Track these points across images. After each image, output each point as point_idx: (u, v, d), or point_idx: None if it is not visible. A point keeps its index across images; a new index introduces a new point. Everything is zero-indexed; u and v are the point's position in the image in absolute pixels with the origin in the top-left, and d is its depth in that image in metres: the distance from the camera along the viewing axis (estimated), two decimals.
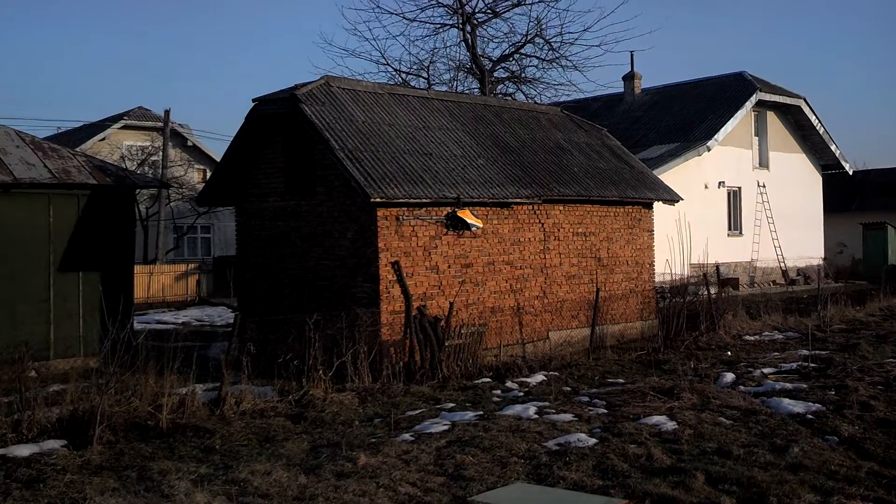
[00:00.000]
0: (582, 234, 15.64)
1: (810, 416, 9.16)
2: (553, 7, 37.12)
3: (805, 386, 10.87)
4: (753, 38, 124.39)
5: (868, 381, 10.96)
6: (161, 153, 31.71)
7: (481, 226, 13.56)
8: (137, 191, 18.11)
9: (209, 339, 16.51)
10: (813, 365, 12.35)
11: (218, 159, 23.48)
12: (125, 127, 35.64)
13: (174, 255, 33.94)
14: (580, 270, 15.54)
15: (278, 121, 14.08)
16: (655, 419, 9.03)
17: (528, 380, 11.74)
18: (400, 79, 29.86)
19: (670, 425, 8.77)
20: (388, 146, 13.45)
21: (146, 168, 33.41)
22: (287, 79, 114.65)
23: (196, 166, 37.20)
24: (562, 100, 30.07)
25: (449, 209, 13.08)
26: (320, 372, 10.49)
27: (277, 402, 10.10)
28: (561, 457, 7.64)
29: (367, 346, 11.32)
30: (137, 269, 23.88)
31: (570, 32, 45.23)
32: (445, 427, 8.90)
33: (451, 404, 10.21)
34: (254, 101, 14.05)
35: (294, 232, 13.93)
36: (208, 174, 33.09)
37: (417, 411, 9.83)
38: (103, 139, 34.68)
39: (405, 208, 12.59)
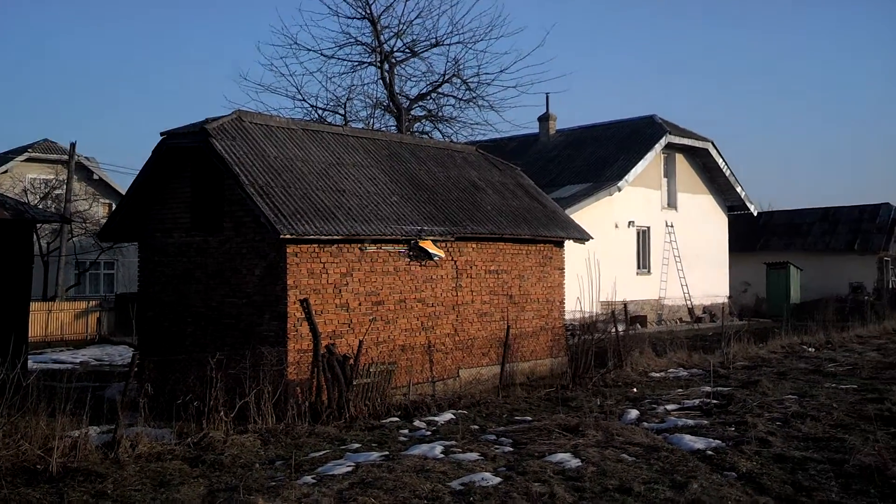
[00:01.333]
0: (494, 272, 15.74)
1: (710, 452, 9.32)
2: (471, 48, 37.67)
3: (706, 422, 11.08)
4: (665, 83, 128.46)
5: (767, 417, 11.23)
6: (65, 186, 30.80)
7: (442, 255, 13.81)
8: (38, 225, 17.50)
9: (107, 380, 15.96)
10: (715, 401, 12.61)
11: (124, 193, 22.93)
12: (29, 160, 34.62)
13: (75, 292, 32.86)
14: (492, 308, 15.62)
15: (187, 155, 13.83)
16: (560, 456, 9.06)
17: (437, 419, 11.66)
18: (316, 115, 29.81)
19: (574, 462, 8.81)
20: (300, 182, 13.34)
21: (49, 202, 32.42)
22: (199, 113, 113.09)
23: (102, 200, 36.33)
24: (478, 139, 30.45)
25: (367, 245, 13.02)
26: (221, 413, 10.21)
27: (175, 445, 9.77)
28: (465, 497, 7.58)
29: (272, 386, 11.08)
30: (35, 305, 23.03)
31: (487, 73, 45.80)
32: (349, 468, 8.75)
33: (357, 445, 10.05)
34: (162, 134, 13.79)
35: (199, 268, 13.64)
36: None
37: (321, 452, 9.64)
38: (5, 171, 33.58)
39: (327, 245, 12.49)
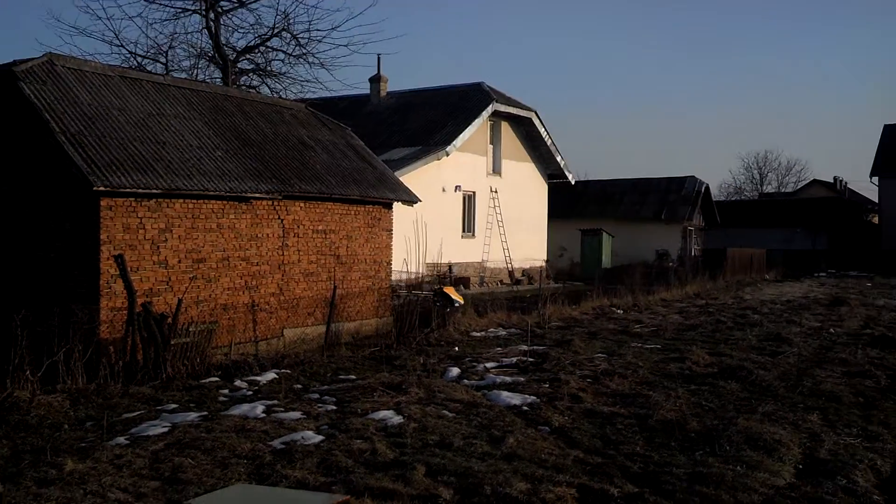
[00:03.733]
0: (322, 232, 15.61)
1: (526, 408, 9.73)
2: (301, 3, 36.85)
3: (523, 379, 11.55)
4: (494, 53, 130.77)
5: (579, 375, 11.83)
6: None
7: (462, 302, 14.76)
8: None
9: None
10: (531, 360, 13.16)
11: None
12: None
13: None
14: (319, 268, 15.50)
15: None
16: (383, 414, 9.18)
17: (259, 378, 11.51)
18: (135, 62, 28.22)
19: (397, 419, 8.95)
20: (116, 132, 12.65)
21: None
22: (6, 56, 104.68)
23: None
24: (308, 97, 29.89)
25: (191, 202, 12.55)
26: (27, 372, 9.61)
27: None
28: (286, 455, 7.54)
29: (83, 345, 10.53)
30: None
31: (318, 30, 45.10)
32: (165, 429, 8.49)
33: (174, 405, 9.76)
34: None
35: (5, 221, 12.70)
36: None
37: (136, 413, 9.29)
38: None
39: (144, 199, 11.91)
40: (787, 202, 66.95)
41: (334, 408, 9.66)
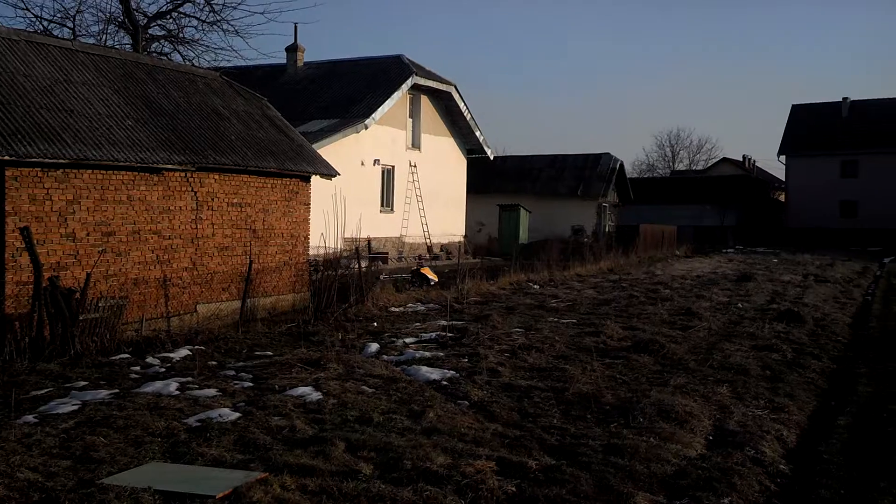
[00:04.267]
0: (237, 205, 15.29)
1: (445, 383, 9.77)
2: None
3: (442, 354, 11.59)
4: (414, 25, 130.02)
5: (497, 349, 11.92)
6: None
7: (435, 279, 14.86)
8: None
9: None
10: (450, 335, 13.21)
11: None
12: None
13: None
14: (234, 242, 15.20)
15: None
16: (301, 390, 9.09)
17: (172, 355, 11.25)
18: (41, 27, 27.05)
19: (316, 396, 8.88)
20: (22, 99, 12.11)
21: None
22: None
23: None
24: (222, 65, 29.15)
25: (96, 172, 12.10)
26: None
27: None
28: (201, 433, 7.40)
29: None
30: None
31: None
32: (75, 407, 8.23)
33: (84, 382, 9.46)
34: None
35: None
36: None
37: (44, 391, 8.98)
38: None
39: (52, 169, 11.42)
40: (698, 180, 68.76)
41: (251, 384, 9.52)
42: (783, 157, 60.54)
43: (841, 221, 56.23)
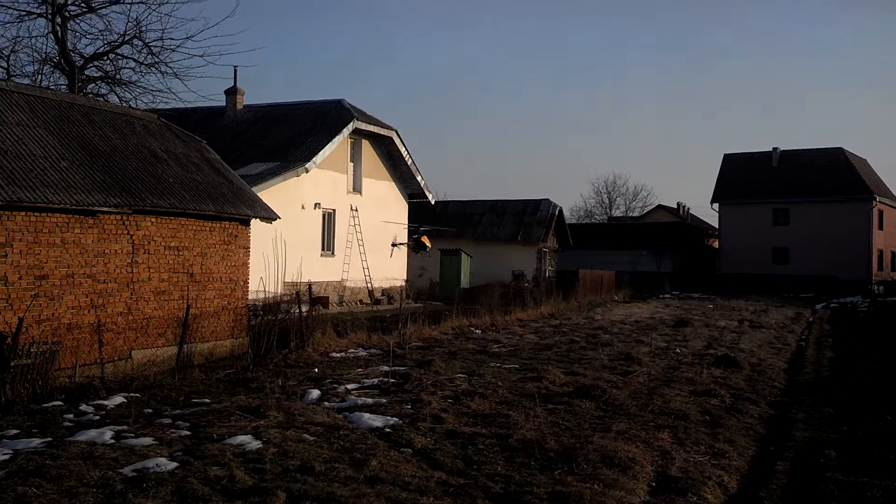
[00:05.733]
0: (175, 249, 15.02)
1: (388, 430, 9.65)
2: (155, 10, 35.73)
3: (385, 400, 11.46)
4: (357, 70, 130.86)
5: (440, 395, 11.84)
6: None
7: (430, 247, 14.29)
8: None
9: None
10: (392, 380, 13.09)
11: None
12: None
13: None
14: (171, 286, 14.90)
15: None
16: (241, 439, 8.87)
17: (106, 402, 10.91)
18: None
19: (255, 444, 8.67)
20: None
21: None
22: None
23: None
24: (160, 107, 28.79)
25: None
26: None
27: None
28: (138, 484, 7.15)
29: None
30: None
31: (171, 38, 43.61)
32: (6, 456, 7.90)
33: (15, 431, 9.10)
34: None
35: None
36: None
37: None
38: None
39: None
40: (635, 226, 70.10)
41: (188, 433, 9.26)
42: (716, 205, 62.10)
43: (774, 268, 57.72)
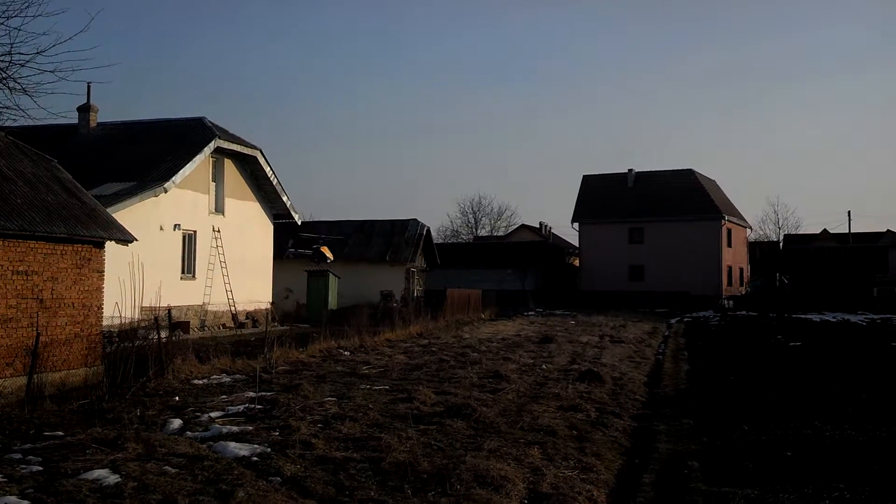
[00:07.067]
0: (23, 273, 14.13)
1: (256, 459, 9.32)
2: (2, 24, 33.51)
3: (251, 428, 11.09)
4: (220, 87, 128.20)
5: (310, 420, 11.56)
6: None
7: (331, 258, 13.20)
8: None
9: None
10: (259, 407, 12.70)
11: None
12: None
13: None
14: (19, 313, 13.99)
15: None
16: (97, 473, 8.36)
17: None
18: None
19: (113, 479, 8.19)
20: None
21: None
22: None
23: None
24: (7, 124, 27.12)
25: None
26: None
27: None
28: None
29: None
30: None
31: (20, 53, 41.15)
32: None
33: None
34: None
35: None
36: None
37: None
38: None
39: None
40: (499, 245, 71.40)
41: (40, 468, 8.66)
42: (577, 225, 64.13)
43: (630, 284, 60.01)
